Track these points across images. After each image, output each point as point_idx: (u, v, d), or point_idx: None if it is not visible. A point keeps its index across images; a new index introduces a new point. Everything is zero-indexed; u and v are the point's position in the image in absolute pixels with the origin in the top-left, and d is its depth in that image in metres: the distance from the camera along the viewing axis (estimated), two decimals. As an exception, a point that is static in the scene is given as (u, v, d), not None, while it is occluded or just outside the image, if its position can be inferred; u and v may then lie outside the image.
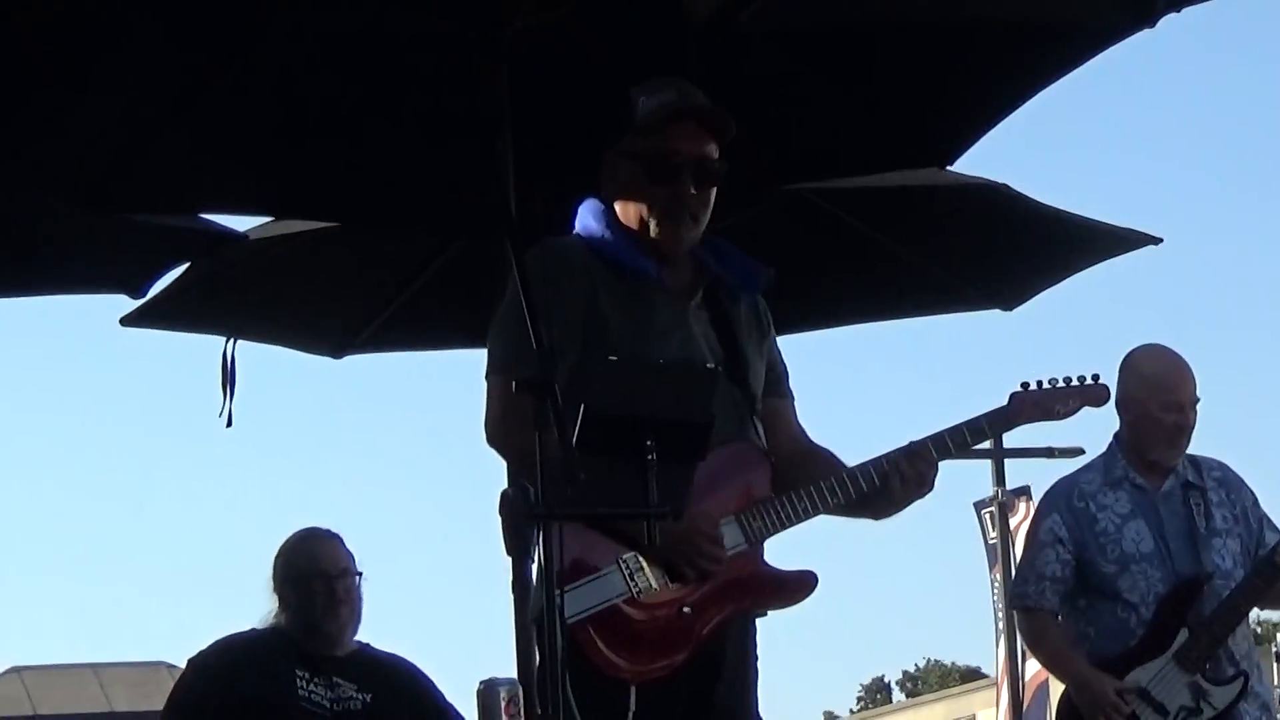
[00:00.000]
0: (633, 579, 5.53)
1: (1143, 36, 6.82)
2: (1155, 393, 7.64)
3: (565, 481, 4.98)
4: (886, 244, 8.42)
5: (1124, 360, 7.71)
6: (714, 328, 5.85)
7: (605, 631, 5.50)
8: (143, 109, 6.61)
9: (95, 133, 6.71)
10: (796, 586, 5.75)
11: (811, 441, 5.98)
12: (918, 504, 5.80)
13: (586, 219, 5.84)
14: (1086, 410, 6.22)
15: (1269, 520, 7.78)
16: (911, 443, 5.76)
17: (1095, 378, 6.13)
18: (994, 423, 5.97)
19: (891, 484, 5.72)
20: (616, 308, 5.68)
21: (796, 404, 6.06)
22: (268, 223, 8.17)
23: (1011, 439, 18.70)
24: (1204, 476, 7.77)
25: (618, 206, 5.82)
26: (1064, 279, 8.88)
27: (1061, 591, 7.73)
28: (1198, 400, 7.72)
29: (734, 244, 5.90)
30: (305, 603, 7.48)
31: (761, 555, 5.72)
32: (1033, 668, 21.83)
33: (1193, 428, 7.73)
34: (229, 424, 8.14)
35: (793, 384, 6.09)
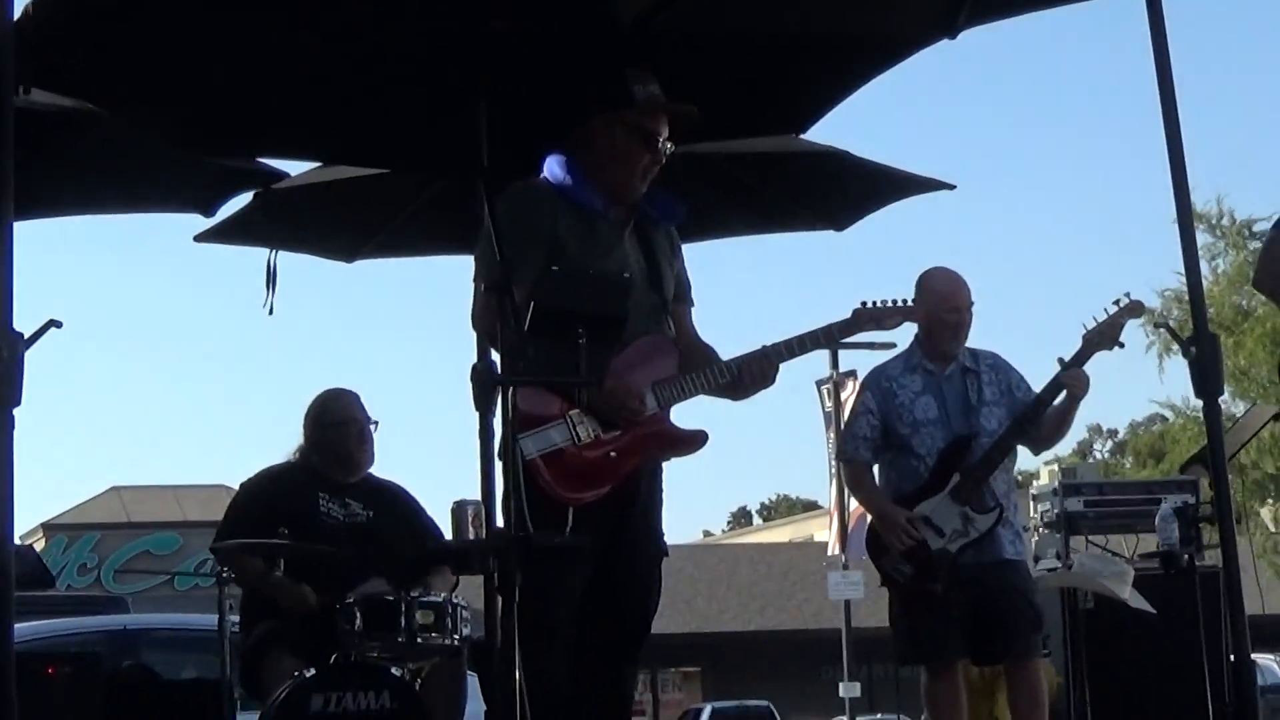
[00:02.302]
0: (576, 430, 5.70)
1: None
2: (940, 301, 7.76)
3: (519, 357, 5.27)
4: (752, 184, 8.33)
5: (919, 279, 7.83)
6: (640, 249, 5.99)
7: (552, 467, 5.64)
8: (215, 70, 6.58)
9: (182, 88, 6.70)
10: (693, 441, 5.91)
11: (701, 339, 6.13)
12: (782, 378, 5.93)
13: (553, 167, 5.96)
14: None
15: (1030, 391, 7.82)
16: (764, 346, 5.93)
17: (906, 301, 6.42)
18: (840, 329, 6.16)
19: (744, 377, 5.90)
20: (572, 233, 5.84)
21: (694, 310, 6.19)
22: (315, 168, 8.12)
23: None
24: (979, 363, 7.87)
25: (593, 159, 5.93)
26: (882, 207, 8.69)
27: (872, 448, 7.88)
28: (971, 304, 7.88)
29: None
30: (338, 441, 7.57)
31: (669, 417, 5.88)
32: (855, 503, 21.99)
33: (968, 325, 7.87)
34: (270, 312, 8.09)
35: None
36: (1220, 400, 6.07)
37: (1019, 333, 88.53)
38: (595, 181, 5.94)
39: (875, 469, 7.98)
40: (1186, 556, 9.24)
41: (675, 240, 6.17)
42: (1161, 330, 29.50)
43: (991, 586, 7.64)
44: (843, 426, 8.59)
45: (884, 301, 6.29)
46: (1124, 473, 51.18)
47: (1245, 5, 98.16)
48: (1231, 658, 6.30)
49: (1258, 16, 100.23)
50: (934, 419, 7.77)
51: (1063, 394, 7.70)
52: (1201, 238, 34.30)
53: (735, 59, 6.84)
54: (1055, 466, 13.64)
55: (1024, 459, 8.54)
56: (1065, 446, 68.16)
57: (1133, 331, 7.86)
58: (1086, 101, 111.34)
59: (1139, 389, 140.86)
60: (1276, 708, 9.68)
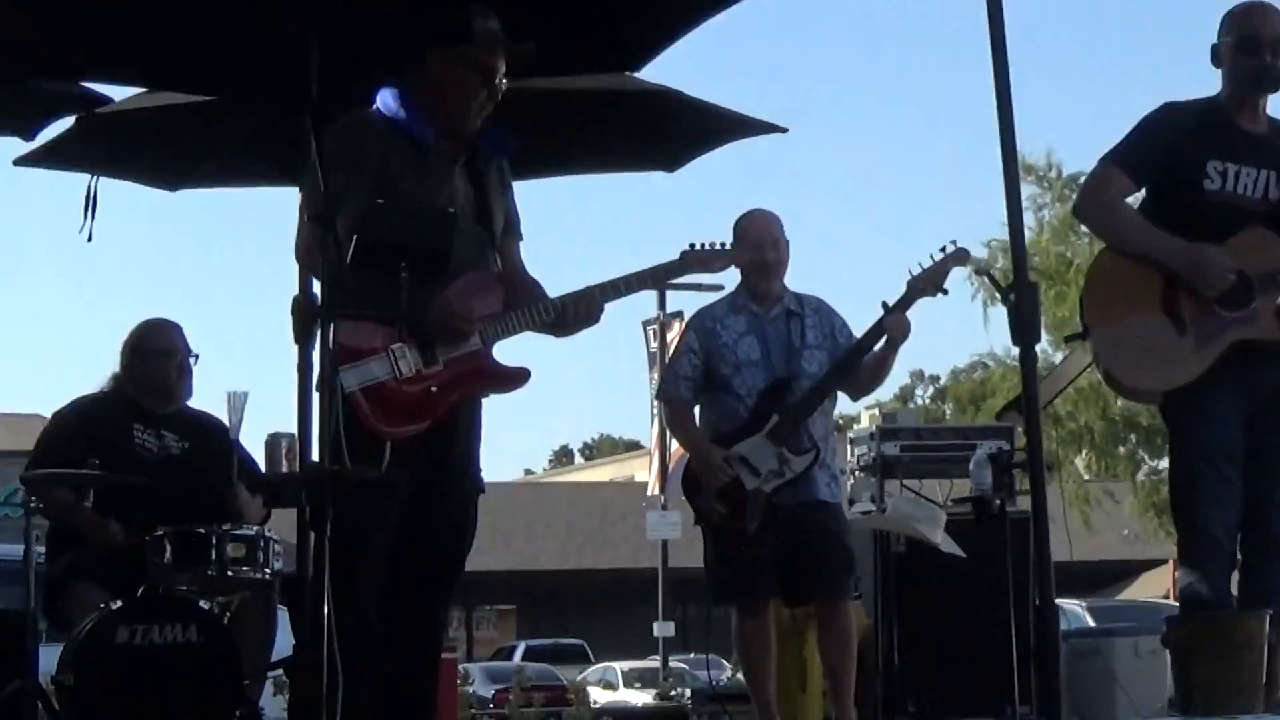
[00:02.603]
0: (397, 364, 5.65)
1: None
2: (753, 241, 7.78)
3: (340, 290, 5.24)
4: (584, 122, 8.31)
5: (735, 222, 7.89)
6: (470, 183, 5.96)
7: (372, 401, 5.59)
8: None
9: (2, 7, 6.54)
10: (514, 378, 5.91)
11: (528, 274, 6.10)
12: (609, 316, 5.96)
13: (386, 99, 5.91)
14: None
15: (852, 337, 7.88)
16: (590, 285, 5.93)
17: (731, 245, 6.46)
18: (667, 271, 6.21)
19: (568, 315, 5.90)
20: (401, 166, 5.81)
21: (523, 245, 6.17)
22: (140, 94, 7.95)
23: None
24: (804, 306, 7.91)
25: (428, 93, 5.87)
26: (714, 148, 8.63)
27: (693, 388, 7.91)
28: (786, 243, 7.92)
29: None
30: (157, 372, 7.50)
31: (491, 353, 5.85)
32: (676, 444, 22.12)
33: (783, 264, 7.92)
34: (89, 239, 7.97)
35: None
36: (1040, 349, 6.17)
37: (847, 278, 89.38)
38: (429, 115, 5.89)
39: (696, 409, 8.01)
40: (998, 502, 9.35)
41: (506, 175, 6.14)
42: (984, 278, 29.81)
43: (805, 527, 7.70)
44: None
45: (711, 244, 6.34)
46: (945, 419, 51.77)
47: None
48: (1037, 602, 6.38)
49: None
50: (756, 360, 7.80)
51: (884, 339, 7.78)
52: (1029, 189, 34.69)
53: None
54: (876, 411, 13.75)
55: (847, 403, 8.59)
56: (887, 392, 68.75)
57: (958, 279, 7.96)
58: (921, 49, 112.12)
59: (963, 336, 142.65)
60: (1080, 652, 9.78)
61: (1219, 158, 6.30)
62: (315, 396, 5.56)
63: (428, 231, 5.61)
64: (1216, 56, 6.44)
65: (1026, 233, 6.50)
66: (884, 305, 7.74)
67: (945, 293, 7.78)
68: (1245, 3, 6.45)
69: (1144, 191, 6.49)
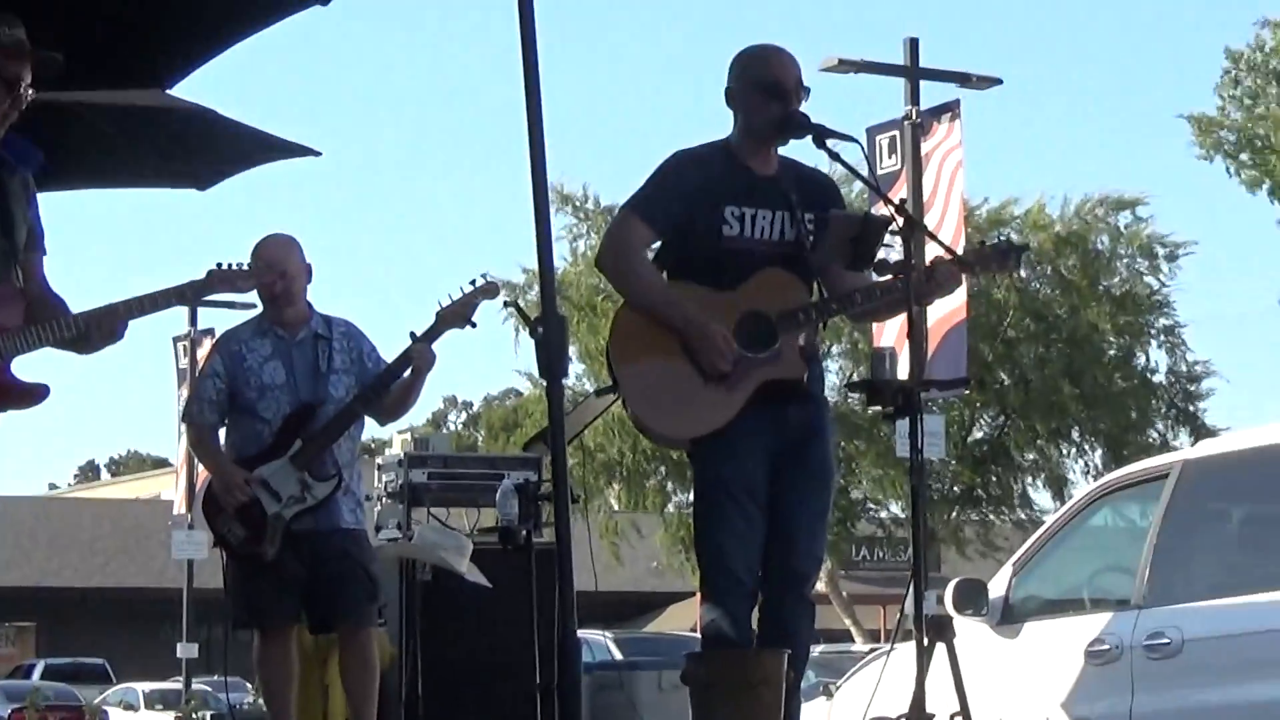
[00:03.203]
0: None
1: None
2: (266, 267, 7.38)
3: None
4: (116, 137, 8.15)
5: (254, 246, 7.75)
6: None
7: None
8: None
9: None
10: (31, 394, 5.76)
11: (51, 290, 5.94)
12: (139, 331, 5.89)
13: None
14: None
15: (381, 362, 7.86)
16: (115, 302, 5.80)
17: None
18: (194, 289, 6.10)
19: (91, 332, 5.76)
20: None
21: (47, 259, 5.97)
22: None
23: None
24: (332, 330, 7.87)
25: None
26: (248, 168, 8.62)
27: (217, 411, 7.85)
28: (307, 267, 7.86)
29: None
30: None
31: (9, 368, 5.68)
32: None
33: (298, 290, 7.83)
34: None
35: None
36: (573, 379, 6.21)
37: (380, 302, 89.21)
38: None
39: (222, 432, 7.93)
40: (525, 532, 9.42)
41: (31, 188, 5.94)
42: (514, 309, 29.99)
43: (327, 554, 7.70)
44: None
45: (238, 264, 6.33)
46: (478, 445, 52.03)
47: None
48: (558, 634, 6.44)
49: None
50: (281, 384, 7.75)
51: (411, 368, 7.80)
52: (566, 219, 35.17)
53: (103, 7, 6.71)
54: (409, 435, 13.75)
55: (379, 427, 8.57)
56: (419, 417, 68.96)
57: (493, 306, 7.96)
58: (459, 78, 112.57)
59: (497, 361, 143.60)
60: (603, 684, 9.91)
61: (735, 203, 6.36)
62: None
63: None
64: (730, 99, 6.48)
65: (561, 263, 6.57)
66: (412, 335, 7.77)
67: (474, 325, 7.86)
68: (762, 47, 6.52)
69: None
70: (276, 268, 7.71)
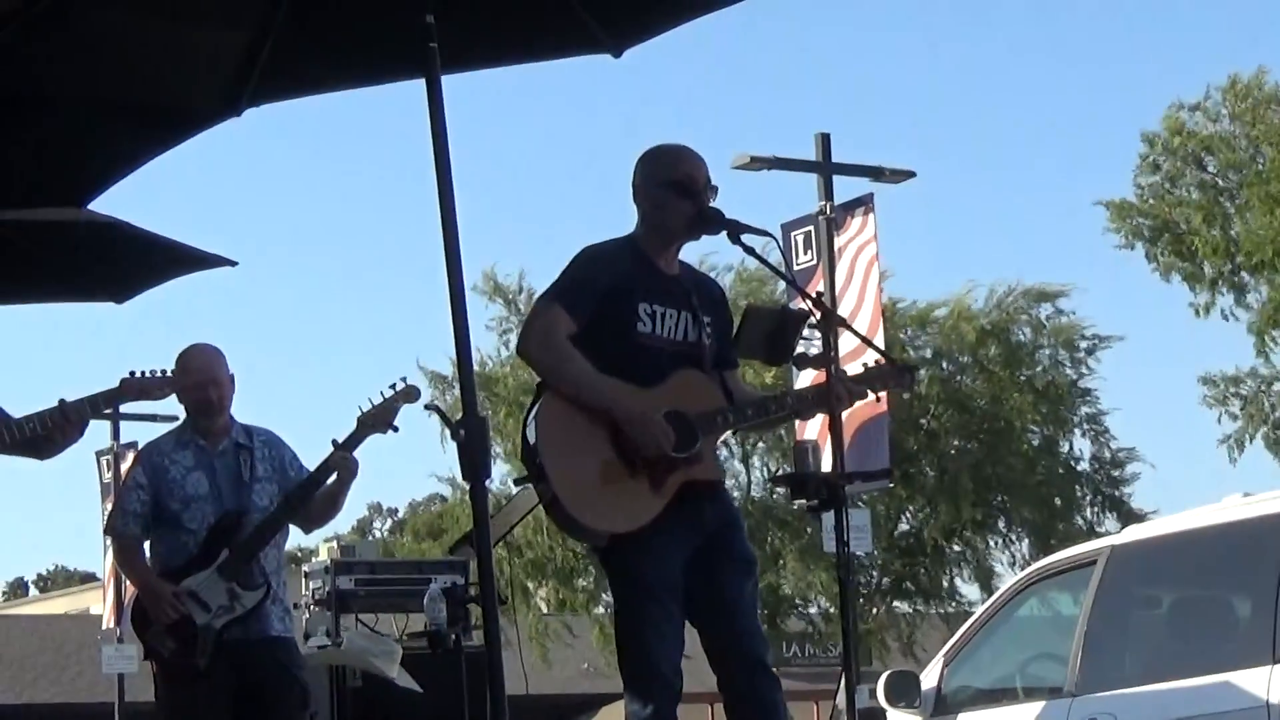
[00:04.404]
0: None
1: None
2: (195, 376, 7.52)
3: None
4: (30, 251, 8.07)
5: (178, 356, 7.57)
6: None
7: None
8: None
9: None
10: None
11: None
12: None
13: None
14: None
15: (304, 469, 7.80)
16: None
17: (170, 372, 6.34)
18: (107, 398, 6.09)
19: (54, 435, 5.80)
20: None
21: None
22: None
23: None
24: (253, 439, 7.80)
25: None
26: (164, 280, 8.56)
27: (142, 524, 7.73)
28: (231, 378, 7.74)
29: None
30: None
31: None
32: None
33: (226, 400, 7.72)
34: None
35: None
36: (501, 475, 6.14)
37: (302, 409, 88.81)
38: None
39: (146, 545, 7.83)
40: (454, 636, 9.34)
41: None
42: (435, 413, 29.90)
43: (258, 663, 7.61)
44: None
45: (151, 372, 6.25)
46: (404, 551, 51.75)
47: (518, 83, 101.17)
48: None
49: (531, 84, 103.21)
50: (205, 494, 7.67)
51: (334, 475, 7.73)
52: (496, 310, 35.07)
53: (19, 129, 6.69)
54: (334, 544, 13.67)
55: (304, 536, 8.50)
56: (345, 524, 68.40)
57: (415, 409, 7.87)
58: (377, 178, 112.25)
59: (422, 465, 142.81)
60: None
61: (647, 300, 6.33)
62: None
63: None
64: (638, 196, 6.45)
65: (493, 356, 6.48)
66: (334, 442, 7.70)
67: (396, 430, 7.78)
68: (669, 146, 6.51)
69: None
70: (208, 379, 7.67)
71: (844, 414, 7.05)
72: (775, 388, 18.61)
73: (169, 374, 6.31)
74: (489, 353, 35.66)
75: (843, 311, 16.29)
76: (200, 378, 7.65)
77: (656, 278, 6.40)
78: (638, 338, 6.31)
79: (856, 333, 6.91)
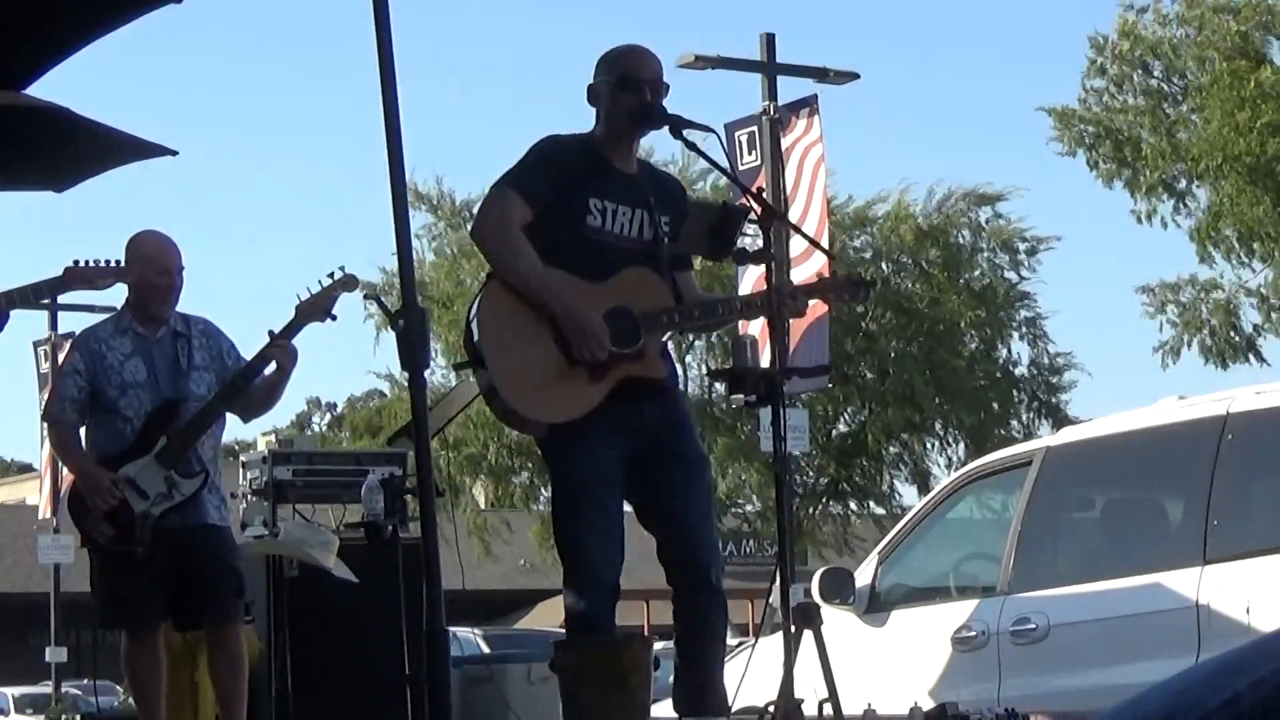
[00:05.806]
0: None
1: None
2: (149, 264, 7.59)
3: None
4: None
5: (129, 242, 7.63)
6: None
7: None
8: None
9: None
10: None
11: None
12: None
13: None
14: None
15: (241, 359, 7.78)
16: None
17: (119, 262, 6.26)
18: (50, 287, 6.05)
19: None
20: None
21: None
22: None
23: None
24: (191, 328, 7.78)
25: None
26: (106, 169, 8.54)
27: (78, 410, 7.71)
28: (182, 269, 7.71)
29: None
30: None
31: None
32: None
33: (178, 289, 7.72)
34: None
35: None
36: (436, 375, 6.13)
37: (237, 300, 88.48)
38: None
39: (83, 431, 7.81)
40: (391, 528, 9.33)
41: None
42: (374, 303, 29.98)
43: (194, 551, 7.62)
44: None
45: (96, 261, 6.20)
46: (342, 446, 51.74)
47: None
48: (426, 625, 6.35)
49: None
50: (143, 382, 7.65)
51: (273, 364, 7.71)
52: (423, 217, 35.06)
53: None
54: (273, 437, 13.64)
55: (243, 429, 8.49)
56: (284, 418, 68.37)
57: (353, 307, 7.87)
58: (315, 76, 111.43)
59: (358, 363, 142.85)
60: (473, 678, 9.86)
61: (598, 196, 6.35)
62: None
63: None
64: (594, 96, 6.48)
65: (420, 261, 6.46)
66: (270, 332, 7.69)
67: (334, 318, 7.79)
68: (625, 46, 6.55)
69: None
70: (159, 266, 7.65)
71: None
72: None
73: (117, 263, 6.25)
74: (417, 257, 35.66)
75: (791, 215, 16.29)
76: (161, 265, 7.65)
77: (611, 174, 6.42)
78: (587, 231, 6.33)
79: (798, 229, 6.94)
